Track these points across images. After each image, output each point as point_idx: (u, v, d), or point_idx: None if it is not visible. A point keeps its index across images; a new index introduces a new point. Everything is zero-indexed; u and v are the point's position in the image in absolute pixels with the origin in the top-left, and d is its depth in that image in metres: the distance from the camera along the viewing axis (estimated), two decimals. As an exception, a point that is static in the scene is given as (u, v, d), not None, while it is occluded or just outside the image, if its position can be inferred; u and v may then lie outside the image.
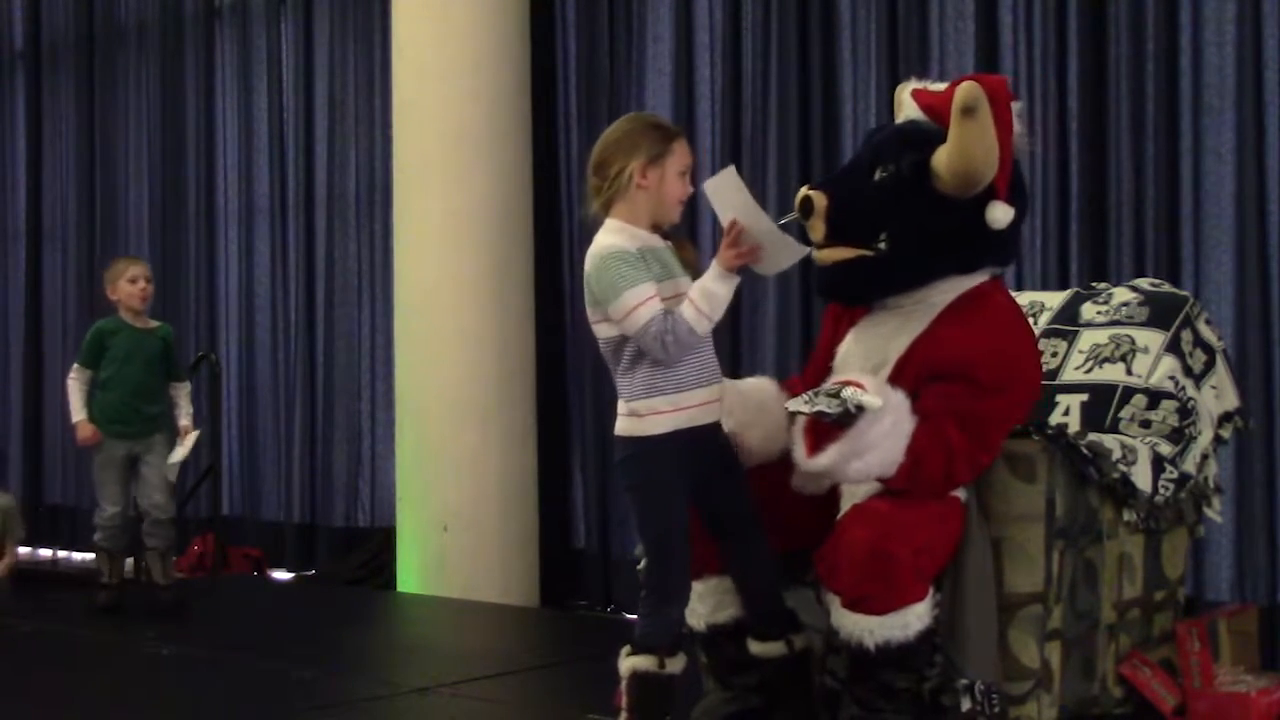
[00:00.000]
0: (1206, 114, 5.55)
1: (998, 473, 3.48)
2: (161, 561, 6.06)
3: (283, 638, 5.62)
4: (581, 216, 3.70)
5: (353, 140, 8.37)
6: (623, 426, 3.52)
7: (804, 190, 3.65)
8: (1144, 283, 4.52)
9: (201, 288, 9.09)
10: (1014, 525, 3.47)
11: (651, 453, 3.48)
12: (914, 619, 3.35)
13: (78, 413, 6.08)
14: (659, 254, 3.51)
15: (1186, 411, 4.14)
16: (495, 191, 6.92)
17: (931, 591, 3.40)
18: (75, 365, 6.15)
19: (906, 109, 3.77)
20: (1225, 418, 4.35)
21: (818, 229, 3.63)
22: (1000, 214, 3.55)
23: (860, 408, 3.28)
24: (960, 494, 3.46)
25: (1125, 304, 4.36)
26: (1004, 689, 3.43)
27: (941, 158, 3.51)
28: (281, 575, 8.39)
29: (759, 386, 3.79)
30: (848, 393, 3.30)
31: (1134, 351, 4.22)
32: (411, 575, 6.96)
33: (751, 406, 3.69)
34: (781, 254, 3.46)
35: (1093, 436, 3.84)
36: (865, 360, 3.62)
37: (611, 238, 3.47)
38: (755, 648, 3.67)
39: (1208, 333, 4.36)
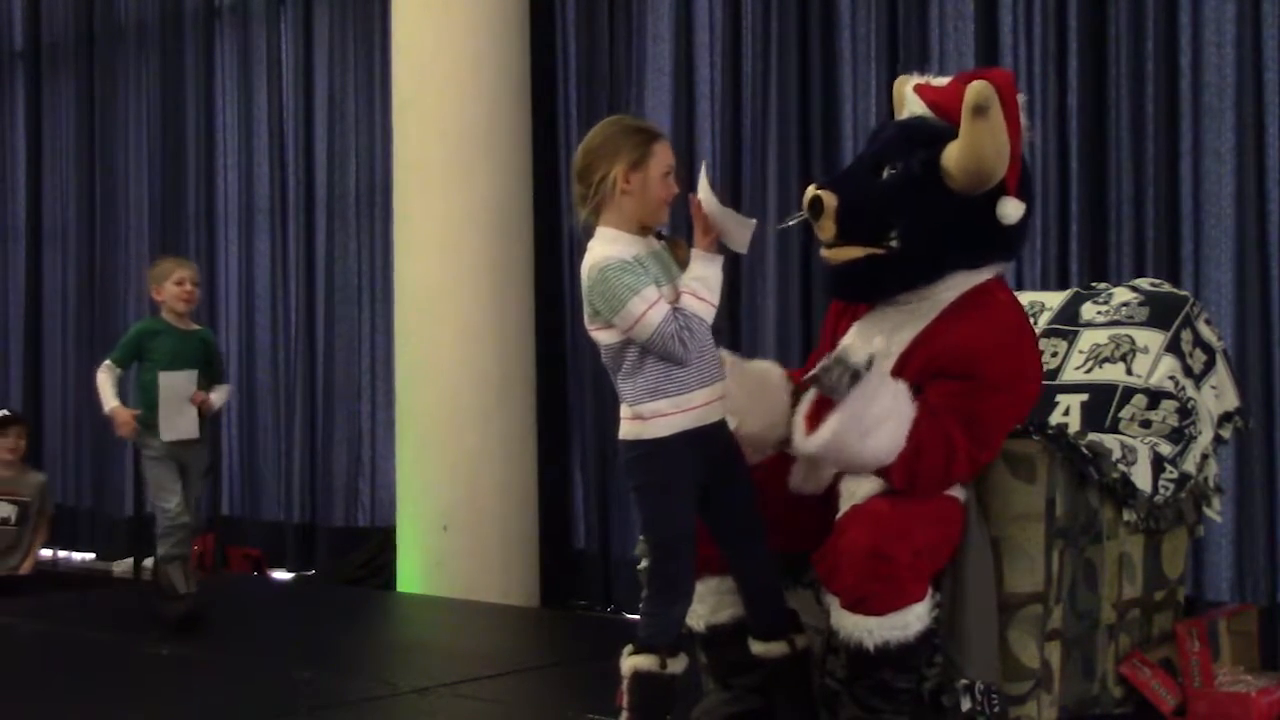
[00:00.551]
0: (1206, 114, 5.55)
1: (998, 473, 3.49)
2: (183, 569, 5.80)
3: (283, 638, 5.62)
4: (574, 222, 3.70)
5: (353, 140, 8.37)
6: (627, 430, 3.53)
7: (811, 190, 3.64)
8: (1144, 283, 4.52)
9: (201, 288, 9.06)
10: (1014, 525, 3.47)
11: (657, 454, 3.48)
12: (913, 619, 3.35)
13: (110, 401, 5.83)
14: (655, 257, 3.51)
15: (1186, 411, 4.15)
16: (495, 191, 6.92)
17: (931, 592, 3.40)
18: (107, 361, 5.94)
19: (909, 104, 3.76)
20: (1225, 418, 4.35)
21: (827, 229, 3.62)
22: (1011, 209, 3.55)
23: (855, 370, 3.29)
24: (960, 494, 3.46)
25: (1125, 304, 4.36)
26: (1004, 689, 3.44)
27: (952, 156, 3.51)
28: (281, 575, 8.39)
29: (763, 367, 3.79)
30: (840, 352, 3.33)
31: (1134, 351, 4.22)
32: (411, 575, 6.96)
33: (752, 384, 3.67)
34: (739, 229, 3.48)
35: (1093, 436, 3.85)
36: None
37: (606, 248, 3.47)
38: (757, 648, 3.67)
39: (1208, 333, 4.36)
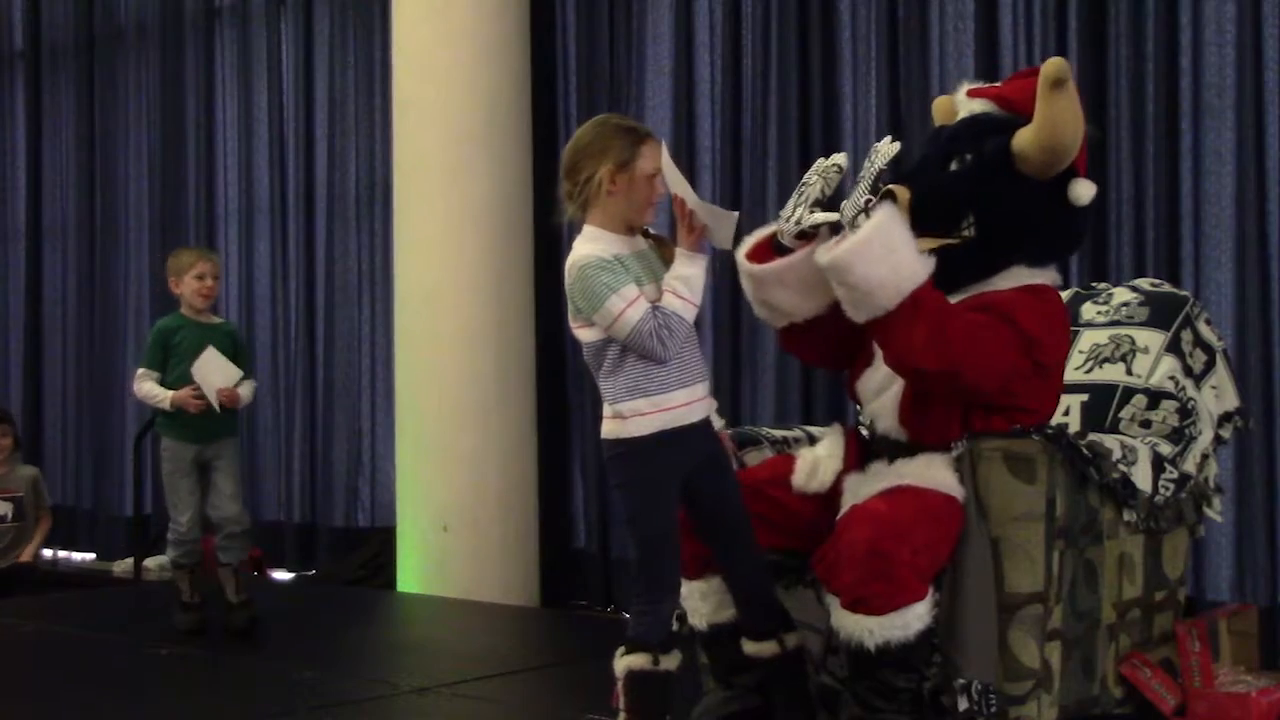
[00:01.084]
0: (1206, 114, 5.55)
1: (998, 473, 3.48)
2: (235, 578, 5.62)
3: (283, 638, 5.62)
4: (556, 220, 3.68)
5: (353, 140, 8.37)
6: (608, 429, 3.53)
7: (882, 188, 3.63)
8: (1144, 283, 4.52)
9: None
10: (1014, 525, 3.47)
11: (636, 453, 3.48)
12: (914, 619, 3.34)
13: (163, 395, 5.54)
14: (639, 257, 3.51)
15: (1186, 411, 4.14)
16: (495, 191, 6.92)
17: (931, 591, 3.40)
18: (140, 369, 5.68)
19: (965, 107, 3.79)
20: (1225, 418, 4.35)
21: None
22: (1084, 190, 3.59)
23: (867, 202, 3.32)
24: (959, 494, 3.46)
25: (1125, 304, 4.36)
26: (1004, 689, 3.43)
27: (1027, 135, 3.54)
28: (281, 575, 8.39)
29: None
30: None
31: (1134, 351, 4.22)
32: (411, 575, 6.96)
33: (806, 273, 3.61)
34: (721, 224, 3.48)
35: (1093, 436, 3.85)
36: None
37: (587, 246, 3.47)
38: (749, 647, 3.67)
39: (1208, 333, 4.36)
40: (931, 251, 3.51)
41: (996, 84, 3.86)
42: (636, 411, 3.46)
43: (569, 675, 4.97)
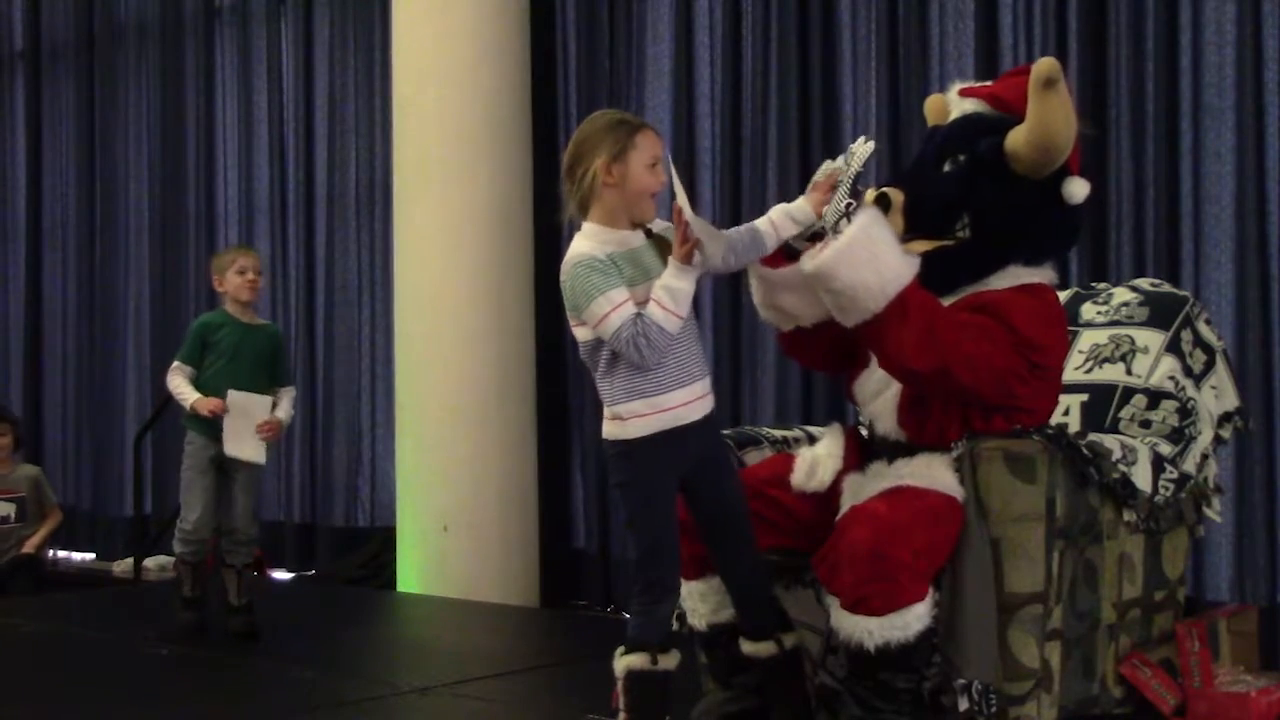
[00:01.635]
0: (1206, 114, 5.55)
1: (998, 473, 3.48)
2: (238, 579, 5.62)
3: (283, 638, 5.62)
4: (558, 219, 3.67)
5: (353, 140, 8.37)
6: (608, 430, 3.53)
7: (870, 191, 3.63)
8: (1144, 283, 4.52)
9: (202, 288, 9.09)
10: (1014, 525, 3.47)
11: (635, 454, 3.47)
12: (914, 619, 3.34)
13: (189, 396, 5.45)
14: (634, 255, 3.47)
15: (1186, 411, 4.14)
16: (495, 191, 6.92)
17: (931, 592, 3.40)
18: (176, 362, 5.58)
19: (958, 106, 3.79)
20: (1225, 418, 4.35)
21: (896, 224, 3.61)
22: (1078, 188, 3.60)
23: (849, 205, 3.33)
24: (959, 494, 3.46)
25: (1125, 304, 4.36)
26: (1004, 689, 3.43)
27: (1020, 135, 3.55)
28: (281, 575, 8.39)
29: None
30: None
31: (1134, 351, 4.23)
32: (411, 575, 6.96)
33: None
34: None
35: (1093, 436, 3.84)
36: None
37: (581, 244, 3.46)
38: (747, 647, 3.67)
39: (1208, 333, 4.36)
40: (927, 253, 3.52)
41: (988, 83, 3.86)
42: (635, 413, 3.46)
43: (569, 675, 4.97)
